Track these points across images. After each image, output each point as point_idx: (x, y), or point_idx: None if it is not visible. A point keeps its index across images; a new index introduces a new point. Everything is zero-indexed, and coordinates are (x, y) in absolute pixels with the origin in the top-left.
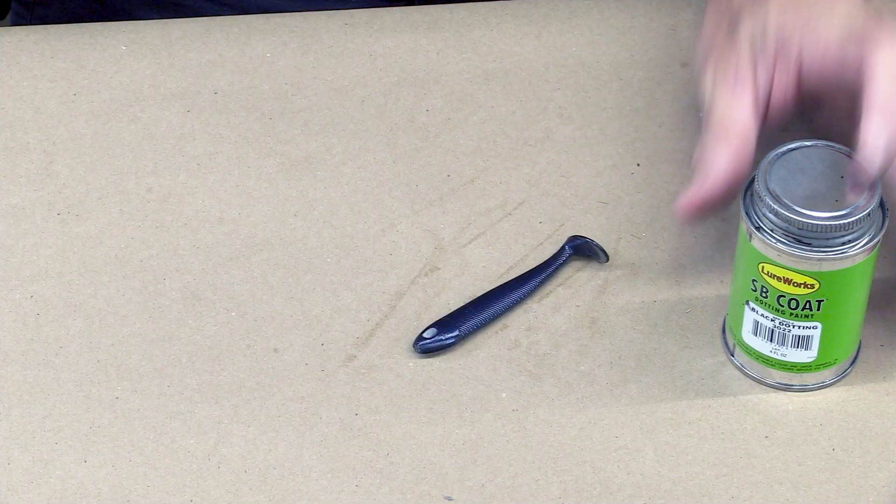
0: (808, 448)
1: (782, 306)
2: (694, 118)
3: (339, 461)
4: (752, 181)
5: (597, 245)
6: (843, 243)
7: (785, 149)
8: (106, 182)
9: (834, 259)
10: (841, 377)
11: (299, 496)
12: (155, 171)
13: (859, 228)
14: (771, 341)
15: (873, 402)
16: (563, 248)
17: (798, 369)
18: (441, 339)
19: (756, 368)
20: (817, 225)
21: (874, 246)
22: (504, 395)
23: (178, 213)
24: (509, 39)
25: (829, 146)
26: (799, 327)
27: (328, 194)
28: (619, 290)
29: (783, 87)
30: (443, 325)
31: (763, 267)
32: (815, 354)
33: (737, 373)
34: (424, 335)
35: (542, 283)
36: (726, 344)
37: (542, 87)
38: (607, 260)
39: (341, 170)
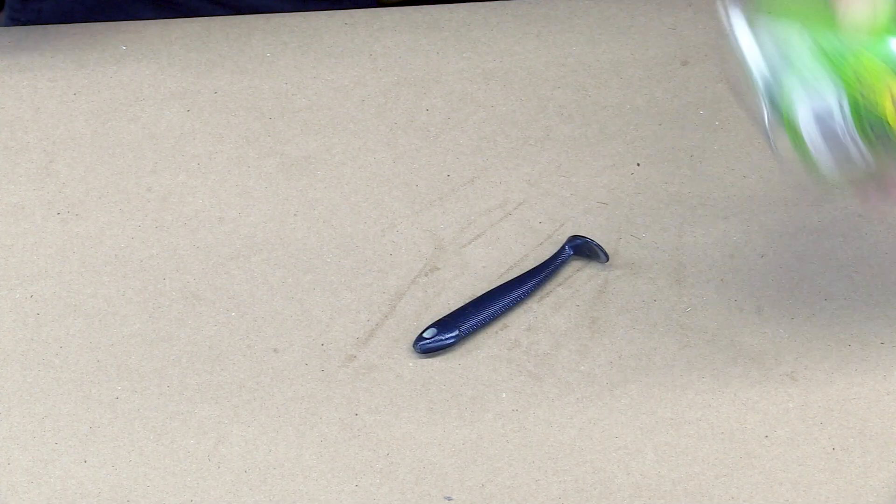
0: (808, 448)
1: (867, 130)
2: (694, 116)
3: (339, 461)
4: None
5: (597, 245)
6: None
7: None
8: (106, 182)
9: None
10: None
11: (299, 496)
12: (155, 170)
13: None
14: (824, 140)
15: (873, 402)
16: (563, 248)
17: (819, 177)
18: (441, 339)
19: (782, 142)
20: None
21: None
22: (504, 395)
23: (178, 212)
24: (509, 39)
25: None
26: (857, 146)
27: (328, 194)
28: (619, 290)
29: None
30: (443, 325)
31: (893, 85)
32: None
33: (737, 370)
34: (424, 335)
35: (542, 283)
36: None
37: (542, 87)
38: (607, 260)
39: (341, 170)
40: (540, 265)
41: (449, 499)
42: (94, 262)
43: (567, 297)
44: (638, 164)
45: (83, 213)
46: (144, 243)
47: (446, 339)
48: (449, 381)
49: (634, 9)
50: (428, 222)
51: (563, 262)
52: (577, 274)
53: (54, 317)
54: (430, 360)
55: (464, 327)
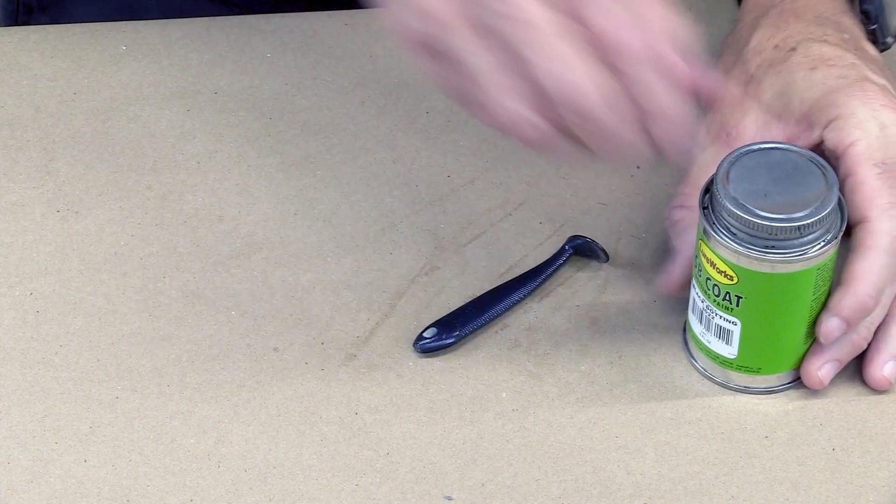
0: (808, 448)
1: (708, 289)
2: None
3: (339, 461)
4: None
5: (597, 245)
6: (766, 246)
7: (762, 146)
8: (106, 180)
9: (751, 258)
10: (767, 391)
11: (299, 496)
12: (155, 169)
13: (785, 239)
14: (700, 323)
15: (873, 402)
16: (563, 248)
17: (720, 362)
18: (441, 339)
19: (693, 348)
20: (742, 217)
21: (802, 263)
22: (504, 395)
23: (178, 211)
24: None
25: (811, 156)
26: (720, 317)
27: (328, 194)
28: (619, 290)
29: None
30: (443, 325)
31: (700, 244)
32: (736, 353)
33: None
34: (424, 335)
35: (542, 283)
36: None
37: None
38: (607, 260)
39: (341, 169)
40: (540, 265)
41: (449, 498)
42: (94, 260)
43: (567, 297)
44: (637, 167)
45: (83, 210)
46: (144, 241)
47: (446, 339)
48: (449, 381)
49: None
50: (428, 222)
51: (563, 262)
52: (577, 274)
53: (54, 315)
54: (430, 360)
55: (464, 327)
